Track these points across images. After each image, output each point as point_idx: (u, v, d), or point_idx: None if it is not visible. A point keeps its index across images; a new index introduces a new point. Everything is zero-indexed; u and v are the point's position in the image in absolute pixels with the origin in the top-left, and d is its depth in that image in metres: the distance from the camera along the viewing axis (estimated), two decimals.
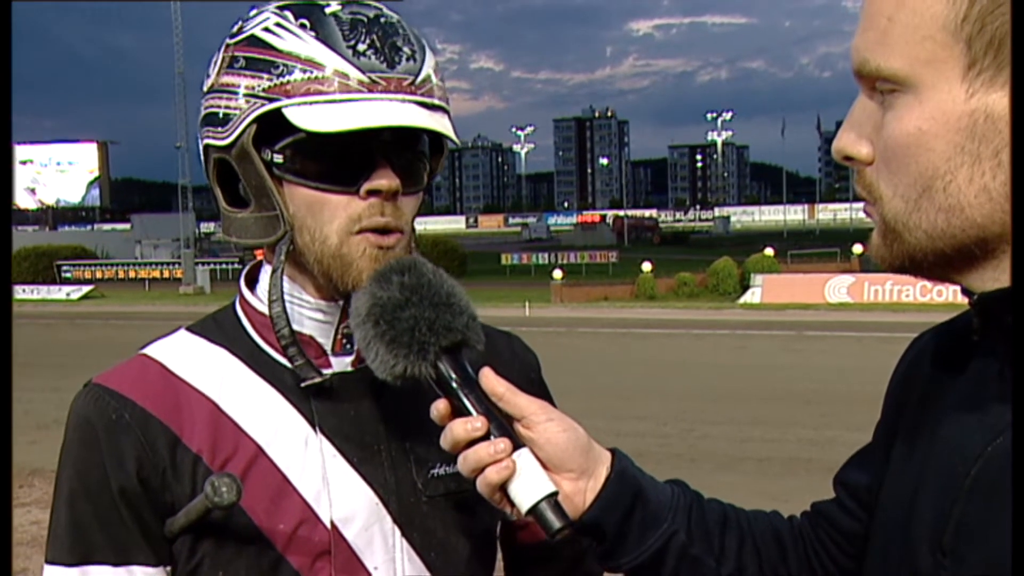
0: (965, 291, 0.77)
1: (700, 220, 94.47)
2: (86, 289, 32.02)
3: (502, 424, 0.91)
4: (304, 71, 0.96)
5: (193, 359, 1.05)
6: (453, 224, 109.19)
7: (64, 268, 36.63)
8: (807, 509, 1.04)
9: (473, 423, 0.90)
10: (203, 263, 35.33)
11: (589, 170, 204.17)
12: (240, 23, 1.02)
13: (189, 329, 1.10)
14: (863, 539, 0.93)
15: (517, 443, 0.91)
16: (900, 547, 0.81)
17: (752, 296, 23.17)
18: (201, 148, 1.05)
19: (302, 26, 0.97)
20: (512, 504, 0.91)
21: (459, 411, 0.92)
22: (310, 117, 0.95)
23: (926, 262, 0.75)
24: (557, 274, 26.05)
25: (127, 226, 53.91)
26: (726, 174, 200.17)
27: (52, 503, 1.04)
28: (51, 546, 1.02)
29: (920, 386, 0.87)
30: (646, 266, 25.64)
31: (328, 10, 0.98)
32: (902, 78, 0.72)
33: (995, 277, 0.74)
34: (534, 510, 0.89)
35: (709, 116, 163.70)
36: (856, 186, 0.79)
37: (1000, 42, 0.68)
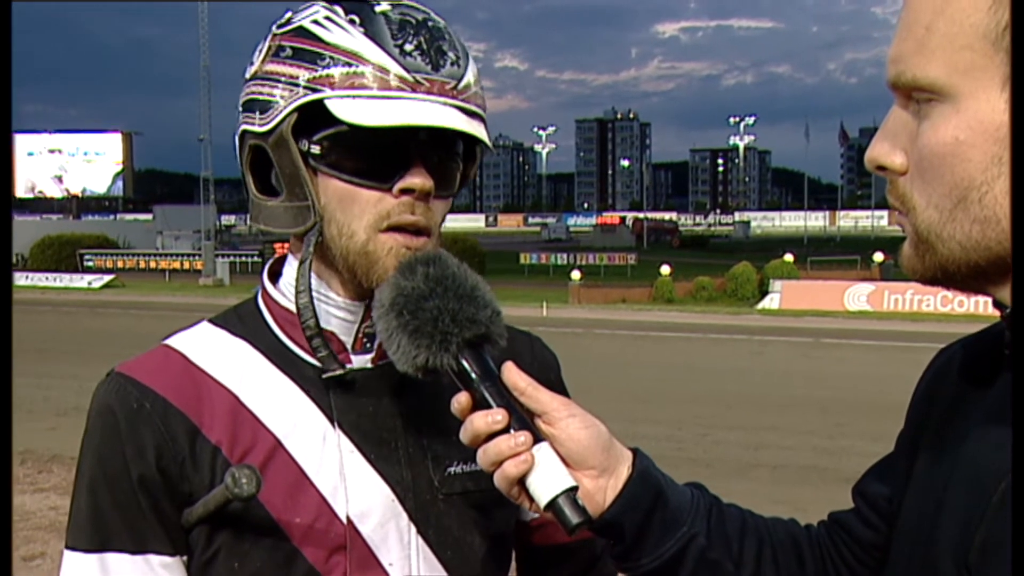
0: (997, 304, 0.76)
1: (720, 224, 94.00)
2: (107, 278, 32.27)
3: (523, 418, 0.90)
4: (349, 65, 0.97)
5: (215, 351, 1.06)
6: (473, 222, 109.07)
7: (86, 257, 36.94)
8: (824, 519, 1.04)
9: (494, 416, 0.89)
10: (223, 255, 35.51)
11: (610, 172, 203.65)
12: (289, 13, 1.03)
13: (211, 321, 1.10)
14: (880, 550, 0.93)
15: (537, 437, 0.90)
16: (922, 561, 0.80)
17: (771, 302, 23.03)
18: (238, 133, 1.06)
19: (351, 21, 0.98)
20: (531, 499, 0.90)
21: (480, 405, 0.91)
22: (352, 110, 0.96)
23: (959, 274, 0.74)
24: (575, 275, 26.00)
25: (149, 217, 54.25)
26: (747, 179, 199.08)
27: (73, 489, 1.05)
28: (71, 532, 1.03)
29: (946, 398, 0.86)
30: (665, 269, 25.56)
31: (378, 9, 0.99)
32: (940, 87, 0.71)
33: None
34: (552, 505, 0.88)
35: (732, 120, 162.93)
36: (888, 196, 0.77)
37: None
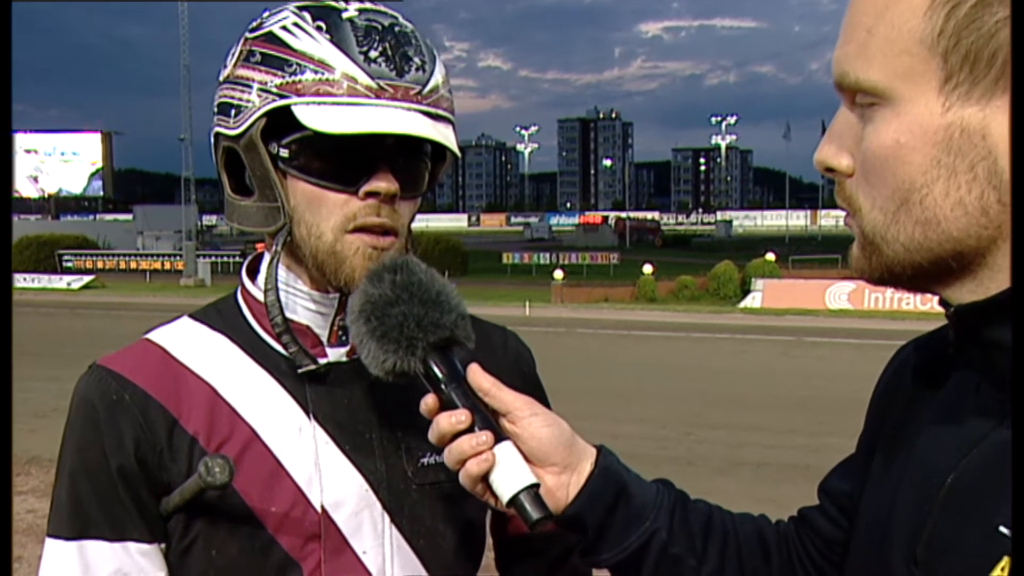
0: (943, 303, 0.77)
1: (702, 223, 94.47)
2: (87, 279, 32.07)
3: (487, 418, 0.93)
4: (315, 71, 0.99)
5: (193, 344, 1.08)
6: (455, 222, 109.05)
7: (65, 258, 36.69)
8: (794, 514, 1.05)
9: (458, 416, 0.92)
10: (204, 255, 35.35)
11: (592, 171, 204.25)
12: (260, 18, 1.05)
13: (191, 316, 1.13)
14: (843, 546, 0.95)
15: (500, 436, 0.93)
16: (877, 558, 0.82)
17: (752, 301, 23.18)
18: (212, 135, 1.09)
19: (318, 28, 1.00)
20: (495, 496, 0.93)
21: (447, 406, 0.94)
22: (317, 117, 0.98)
23: (904, 275, 0.75)
24: (558, 274, 26.04)
25: (129, 217, 53.90)
26: (729, 178, 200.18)
27: (55, 479, 1.07)
28: (52, 520, 1.06)
29: (901, 398, 0.88)
30: (647, 268, 25.65)
31: (345, 15, 1.01)
32: (880, 91, 0.72)
33: (972, 290, 0.74)
34: (514, 501, 0.90)
35: (714, 120, 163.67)
36: (837, 197, 0.79)
37: (975, 56, 0.68)
